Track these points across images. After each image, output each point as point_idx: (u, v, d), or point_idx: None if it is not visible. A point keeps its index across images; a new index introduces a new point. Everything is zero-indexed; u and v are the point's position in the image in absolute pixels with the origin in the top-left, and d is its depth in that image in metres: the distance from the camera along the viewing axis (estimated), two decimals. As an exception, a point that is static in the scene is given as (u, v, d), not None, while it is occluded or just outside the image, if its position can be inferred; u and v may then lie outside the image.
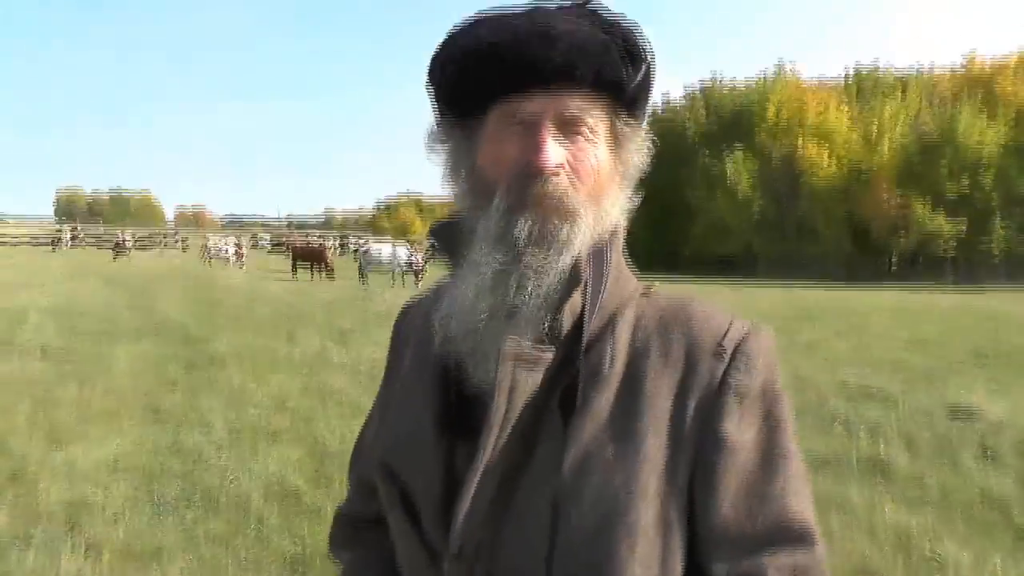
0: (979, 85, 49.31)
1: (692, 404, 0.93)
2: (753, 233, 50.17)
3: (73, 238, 62.00)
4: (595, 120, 0.99)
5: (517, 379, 0.93)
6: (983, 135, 42.05)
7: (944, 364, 11.24)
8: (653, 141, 1.08)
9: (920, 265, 45.07)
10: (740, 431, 0.92)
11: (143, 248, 60.72)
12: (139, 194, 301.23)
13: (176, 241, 75.32)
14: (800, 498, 0.93)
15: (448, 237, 1.06)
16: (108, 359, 10.18)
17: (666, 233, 54.32)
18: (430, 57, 1.04)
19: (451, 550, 0.95)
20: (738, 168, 48.81)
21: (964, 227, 41.29)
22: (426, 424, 1.02)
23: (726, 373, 0.94)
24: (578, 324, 0.96)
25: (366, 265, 29.26)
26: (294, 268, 31.74)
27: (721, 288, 28.08)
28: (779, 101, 50.93)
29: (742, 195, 48.55)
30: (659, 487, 0.90)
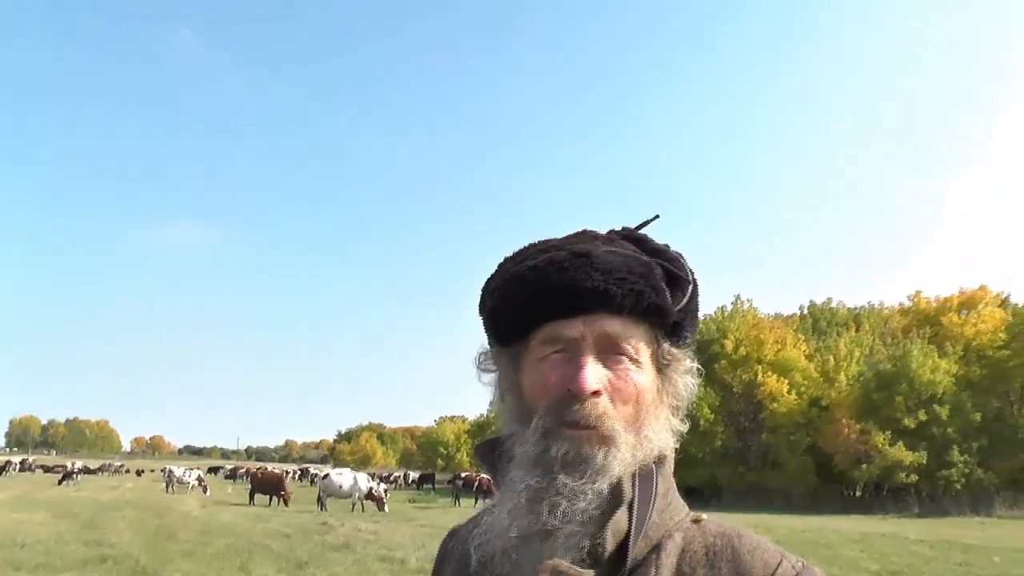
0: (926, 321, 51.20)
1: None
2: (717, 464, 49.97)
3: (22, 465, 61.11)
4: (637, 344, 1.00)
5: None
6: (935, 369, 43.21)
7: (915, 595, 11.04)
8: (699, 369, 1.10)
9: (884, 495, 44.82)
10: None
11: (92, 473, 59.76)
12: (96, 423, 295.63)
13: (125, 471, 74.72)
14: None
15: (490, 456, 1.07)
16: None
17: (630, 464, 53.85)
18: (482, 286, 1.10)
19: None
20: (700, 400, 49.30)
21: (924, 458, 41.51)
22: None
23: None
24: (622, 546, 0.93)
25: (325, 494, 28.69)
26: (252, 496, 31.08)
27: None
28: (738, 335, 52.25)
29: (704, 426, 48.74)
30: None
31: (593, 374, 0.96)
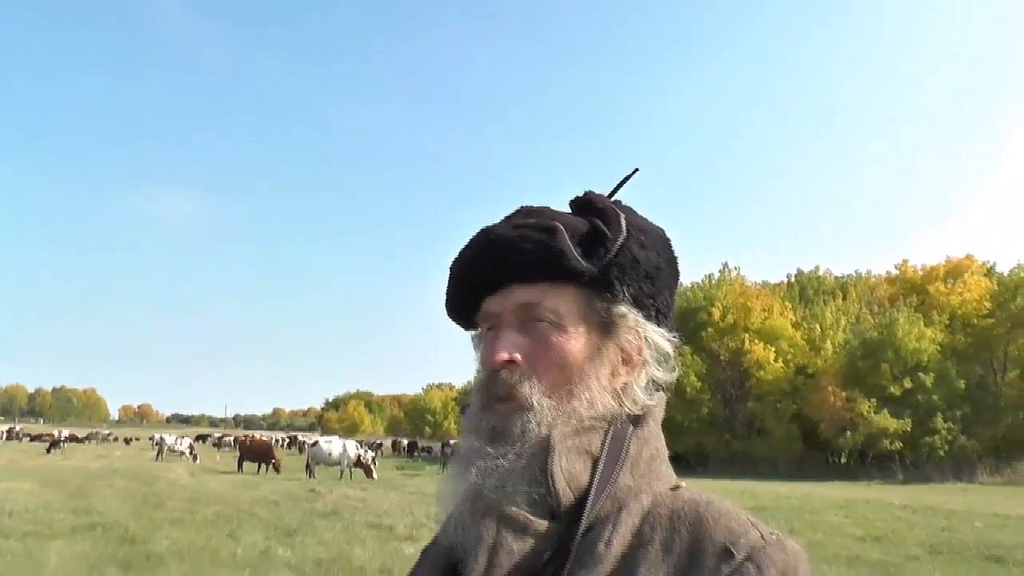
0: (913, 290, 51.42)
1: None
2: (703, 431, 50.24)
3: (9, 434, 61.19)
4: (557, 307, 1.01)
5: (501, 540, 0.92)
6: (921, 337, 43.46)
7: (899, 559, 11.17)
8: (659, 317, 1.08)
9: (869, 462, 45.21)
10: None
11: (80, 441, 59.94)
12: (83, 391, 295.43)
13: (113, 439, 74.80)
14: None
15: None
16: (38, 558, 9.73)
17: (618, 432, 54.11)
18: None
19: None
20: (687, 368, 49.46)
21: (908, 426, 41.83)
22: None
23: None
24: (581, 502, 0.94)
25: (314, 461, 28.76)
26: (240, 464, 31.16)
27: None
28: (725, 302, 52.34)
29: (691, 394, 48.96)
30: None
31: (504, 345, 1.00)
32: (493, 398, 1.00)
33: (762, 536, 0.89)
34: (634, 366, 1.05)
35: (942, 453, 41.87)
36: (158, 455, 41.13)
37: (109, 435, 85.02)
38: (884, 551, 12.02)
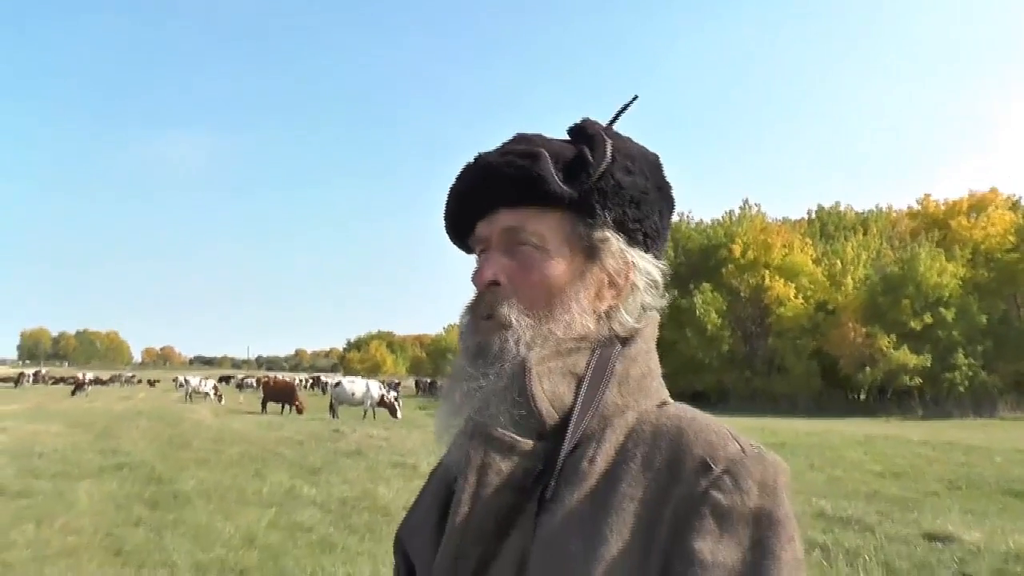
0: (935, 224, 50.88)
1: (667, 514, 0.88)
2: (724, 369, 50.36)
3: (35, 377, 62.37)
4: (541, 231, 1.04)
5: (489, 460, 0.95)
6: (942, 272, 43.10)
7: (918, 494, 11.21)
8: (647, 241, 1.09)
9: (888, 398, 45.23)
10: (715, 551, 0.84)
11: (104, 384, 60.97)
12: (106, 334, 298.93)
13: (137, 381, 76.05)
14: None
15: None
16: (68, 498, 9.91)
17: (638, 369, 54.28)
18: None
19: None
20: (707, 305, 49.39)
21: (928, 361, 41.73)
22: (432, 513, 1.06)
23: (709, 488, 0.88)
24: (568, 422, 0.96)
25: (337, 402, 28.97)
26: (264, 405, 31.47)
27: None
28: (745, 239, 52.01)
29: (711, 331, 48.93)
30: None
31: (489, 267, 1.05)
32: (478, 317, 1.05)
33: (742, 449, 0.92)
34: (620, 290, 1.07)
35: (962, 389, 41.82)
36: (186, 396, 41.63)
37: (132, 377, 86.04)
38: (903, 487, 12.08)
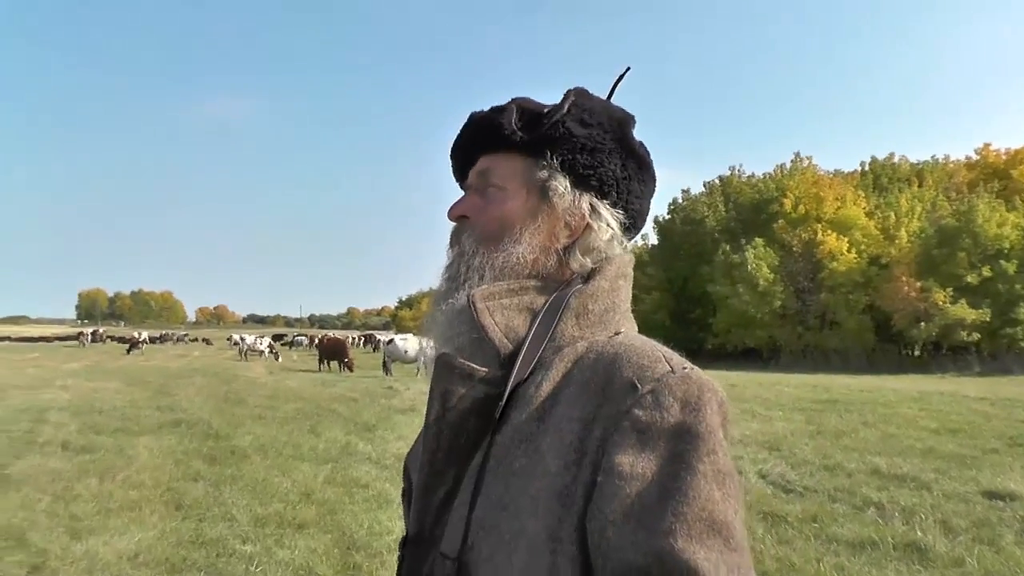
0: (994, 175, 49.57)
1: (597, 433, 0.95)
2: (775, 324, 49.78)
3: (94, 336, 64.17)
4: (504, 173, 1.18)
5: (452, 387, 1.06)
6: (1002, 223, 42.02)
7: (976, 451, 11.00)
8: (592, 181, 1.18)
9: (944, 354, 44.50)
10: (634, 464, 0.91)
11: (158, 342, 62.74)
12: (160, 294, 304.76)
13: (191, 339, 78.02)
14: (694, 541, 0.86)
15: None
16: (129, 453, 10.16)
17: (689, 324, 54.04)
18: None
19: (408, 534, 1.11)
20: (758, 260, 48.80)
21: (987, 316, 40.87)
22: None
23: (632, 407, 0.95)
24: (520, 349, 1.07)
25: (390, 359, 29.23)
26: (321, 362, 31.88)
27: (744, 377, 27.82)
28: (797, 193, 51.16)
29: (763, 287, 48.38)
30: (551, 504, 0.94)
31: (459, 204, 1.22)
32: (449, 245, 1.22)
33: (671, 370, 0.99)
34: (574, 231, 1.17)
35: (1022, 343, 40.98)
36: (241, 354, 42.36)
37: (185, 336, 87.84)
38: (960, 443, 11.86)
